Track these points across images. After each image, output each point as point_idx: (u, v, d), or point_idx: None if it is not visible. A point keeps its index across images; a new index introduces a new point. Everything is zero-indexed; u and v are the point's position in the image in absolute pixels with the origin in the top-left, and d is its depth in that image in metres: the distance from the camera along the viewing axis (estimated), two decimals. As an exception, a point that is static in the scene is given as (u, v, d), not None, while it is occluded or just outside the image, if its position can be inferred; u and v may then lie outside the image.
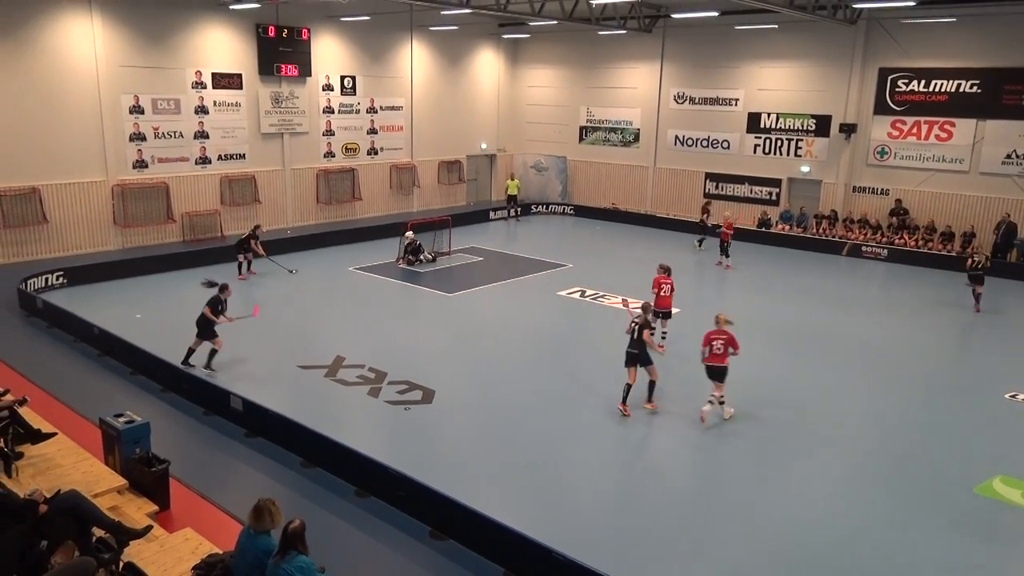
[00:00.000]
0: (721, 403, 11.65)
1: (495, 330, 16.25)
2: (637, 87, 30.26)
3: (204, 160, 23.52)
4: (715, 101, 28.41)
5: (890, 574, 8.08)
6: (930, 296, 20.59)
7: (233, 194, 24.27)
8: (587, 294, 19.01)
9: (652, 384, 11.98)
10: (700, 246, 24.54)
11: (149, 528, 7.24)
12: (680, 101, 29.31)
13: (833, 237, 25.14)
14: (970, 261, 18.81)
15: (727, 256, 22.17)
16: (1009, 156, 22.94)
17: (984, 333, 17.55)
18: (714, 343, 11.70)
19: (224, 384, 11.68)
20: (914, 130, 24.44)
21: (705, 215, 24.97)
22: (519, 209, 30.45)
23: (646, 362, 11.78)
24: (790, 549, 8.49)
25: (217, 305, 13.02)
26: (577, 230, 28.78)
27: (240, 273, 19.56)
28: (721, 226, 22.42)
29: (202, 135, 23.34)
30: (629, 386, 11.81)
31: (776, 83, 26.87)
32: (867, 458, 10.86)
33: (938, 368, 14.60)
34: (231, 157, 24.19)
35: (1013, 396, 13.02)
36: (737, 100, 27.89)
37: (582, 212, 31.28)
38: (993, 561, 8.41)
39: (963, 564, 8.31)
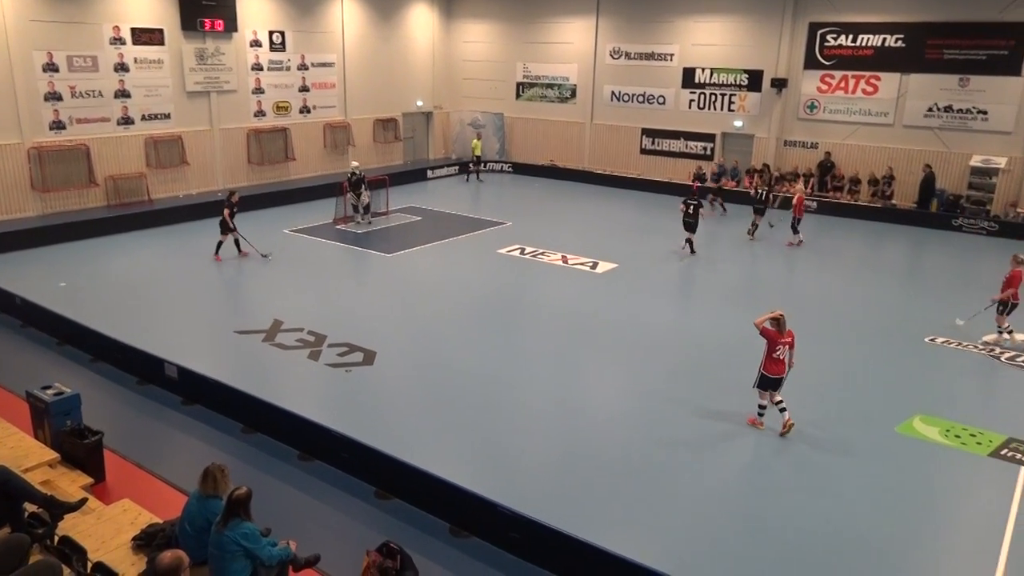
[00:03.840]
0: (783, 409, 10.21)
1: (435, 289, 16.20)
2: (573, 42, 30.08)
3: (126, 120, 22.50)
4: (650, 56, 28.47)
5: (818, 514, 8.49)
6: (857, 246, 21.36)
7: (159, 156, 23.32)
8: (527, 251, 19.07)
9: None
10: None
11: (84, 501, 7.07)
12: (616, 56, 29.27)
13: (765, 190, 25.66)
14: (753, 192, 21.14)
15: (796, 232, 20.27)
16: (931, 109, 23.72)
17: (907, 281, 18.32)
18: (779, 348, 10.03)
19: (157, 352, 11.38)
20: (842, 84, 25.02)
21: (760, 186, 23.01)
22: (470, 167, 30.06)
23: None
24: (726, 499, 8.82)
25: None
26: (515, 188, 28.72)
27: (239, 250, 18.11)
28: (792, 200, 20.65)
29: (123, 94, 22.28)
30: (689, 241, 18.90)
31: (710, 38, 27.07)
32: (795, 401, 11.27)
33: (865, 315, 15.19)
34: (155, 117, 23.19)
35: (932, 339, 13.69)
36: (672, 55, 28.01)
37: (520, 169, 31.21)
38: (915, 497, 8.90)
39: (887, 501, 8.77)
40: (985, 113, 22.93)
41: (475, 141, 30.01)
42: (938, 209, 23.53)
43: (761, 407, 10.37)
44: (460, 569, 7.48)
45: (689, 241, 19.14)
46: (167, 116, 23.46)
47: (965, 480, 9.32)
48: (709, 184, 25.61)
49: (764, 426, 10.30)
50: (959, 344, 13.51)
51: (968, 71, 22.91)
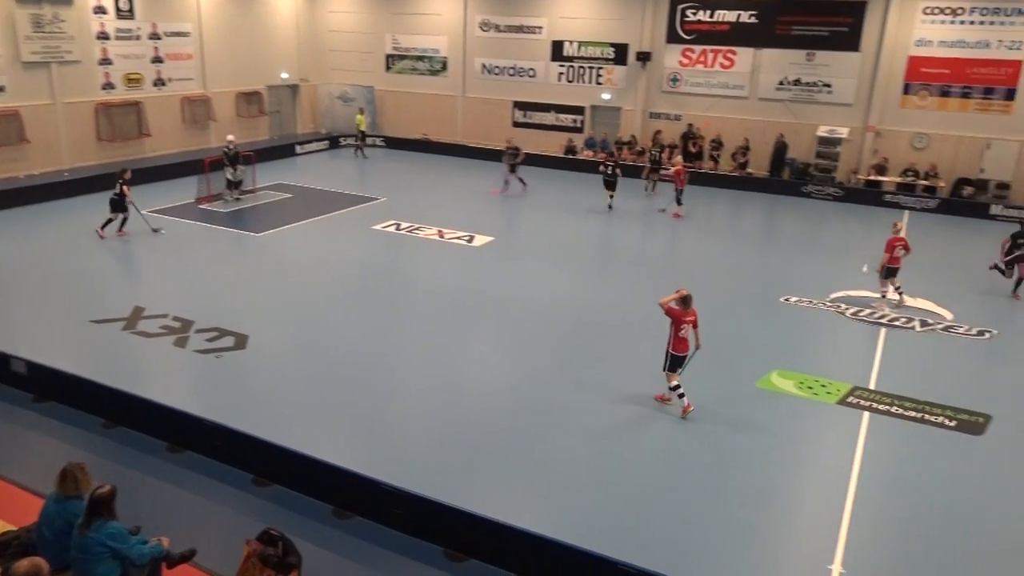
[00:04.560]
0: (681, 395, 10.13)
1: (309, 268, 15.77)
2: (442, 14, 29.74)
3: (-49, 94, 20.41)
4: (520, 29, 28.60)
5: (684, 468, 8.98)
6: (719, 214, 22.49)
7: (-7, 133, 21.33)
8: (402, 227, 18.86)
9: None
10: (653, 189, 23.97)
11: (-77, 513, 6.49)
12: (486, 29, 29.20)
13: (634, 162, 26.49)
14: (648, 159, 24.13)
15: (679, 204, 21.04)
16: (782, 83, 25.18)
17: (763, 246, 19.50)
18: (684, 327, 9.97)
19: (1, 346, 10.49)
20: (701, 58, 26.09)
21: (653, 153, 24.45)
22: (360, 143, 28.83)
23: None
24: (602, 466, 9.16)
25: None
26: (387, 163, 28.25)
27: (101, 230, 16.98)
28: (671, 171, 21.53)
29: (-54, 64, 20.17)
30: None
31: (577, 11, 27.49)
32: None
33: (725, 279, 16.06)
34: (-14, 90, 21.16)
35: (787, 300, 14.69)
36: (541, 28, 28.25)
37: (393, 144, 30.71)
38: (772, 445, 9.57)
39: (746, 451, 9.39)
40: (829, 86, 24.58)
41: (359, 116, 28.95)
42: (790, 177, 25.11)
43: (673, 387, 10.15)
44: (345, 549, 7.42)
45: (611, 197, 21.31)
46: (1, 89, 21.44)
47: (817, 427, 10.11)
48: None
49: (692, 406, 10.08)
50: (810, 302, 14.56)
51: (814, 46, 24.45)
